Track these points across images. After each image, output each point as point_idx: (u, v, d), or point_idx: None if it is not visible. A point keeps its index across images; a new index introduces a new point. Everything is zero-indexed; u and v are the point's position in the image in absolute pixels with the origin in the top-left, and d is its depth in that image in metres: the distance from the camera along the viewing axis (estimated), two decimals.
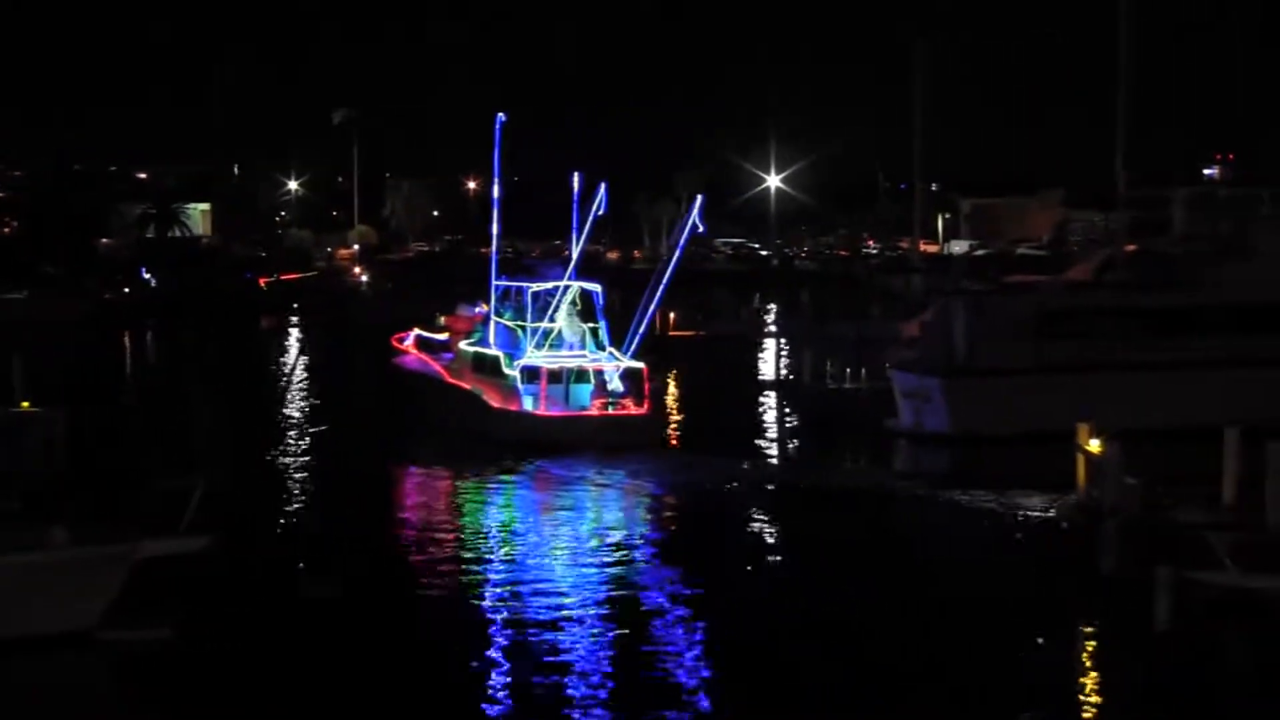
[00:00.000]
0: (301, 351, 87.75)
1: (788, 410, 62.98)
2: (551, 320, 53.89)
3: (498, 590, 32.99)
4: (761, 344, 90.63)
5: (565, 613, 30.86)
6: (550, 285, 54.72)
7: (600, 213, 54.82)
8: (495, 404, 52.86)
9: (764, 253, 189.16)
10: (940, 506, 42.39)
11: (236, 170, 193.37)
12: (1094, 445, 36.18)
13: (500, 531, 39.92)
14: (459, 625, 30.20)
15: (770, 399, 66.46)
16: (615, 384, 51.86)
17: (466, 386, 54.64)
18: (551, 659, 27.66)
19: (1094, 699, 26.44)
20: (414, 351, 59.71)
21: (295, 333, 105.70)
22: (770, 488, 45.84)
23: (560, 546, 37.53)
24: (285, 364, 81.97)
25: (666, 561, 36.06)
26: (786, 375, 73.90)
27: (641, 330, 53.27)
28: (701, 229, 55.60)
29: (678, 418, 60.95)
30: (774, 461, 51.25)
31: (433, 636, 29.62)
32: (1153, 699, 26.50)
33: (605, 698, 25.75)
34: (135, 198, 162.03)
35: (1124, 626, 29.97)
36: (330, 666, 27.68)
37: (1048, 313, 54.12)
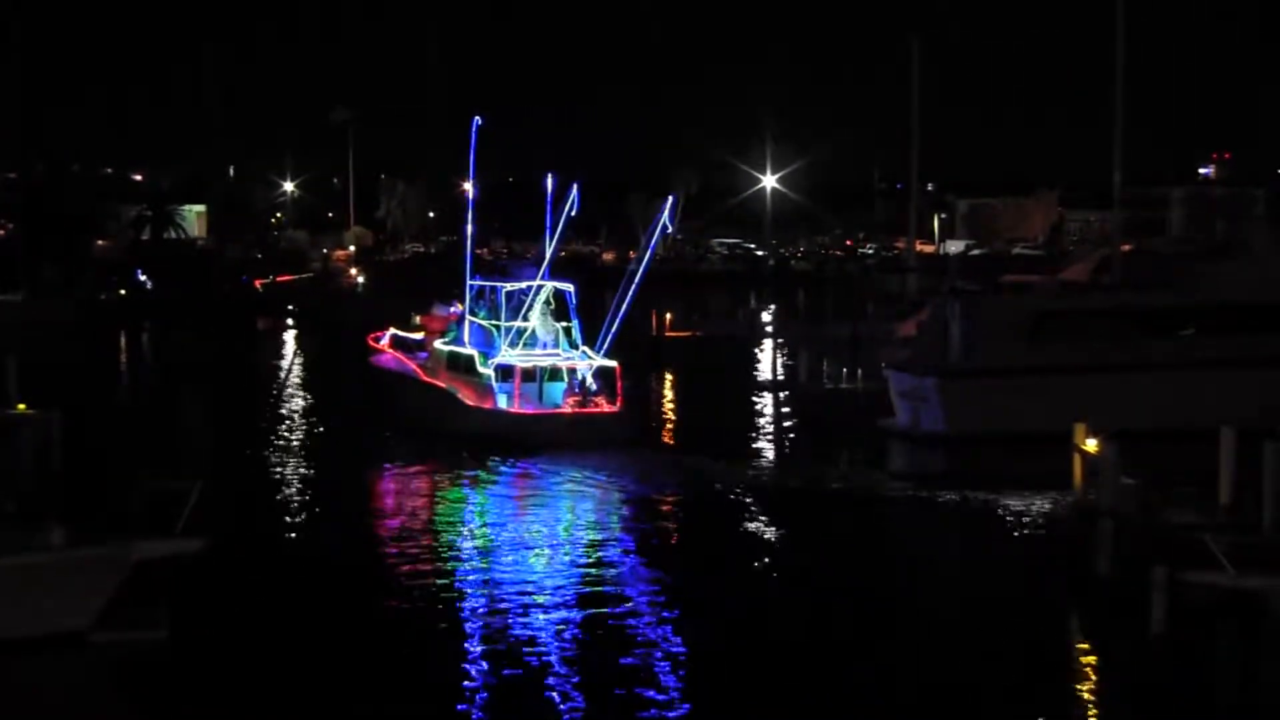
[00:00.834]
0: (297, 352, 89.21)
1: (783, 410, 62.85)
2: (525, 319, 54.30)
3: (473, 589, 33.07)
4: (758, 345, 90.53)
5: (541, 612, 31.00)
6: (524, 285, 55.06)
7: (573, 213, 55.03)
8: (470, 402, 53.16)
9: (760, 253, 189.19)
10: (935, 507, 42.19)
11: (231, 172, 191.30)
12: (1090, 445, 36.13)
13: (476, 531, 39.85)
14: (436, 623, 30.32)
15: (766, 399, 66.38)
16: (588, 382, 52.20)
17: (441, 385, 55.01)
18: (529, 658, 27.79)
19: (1089, 701, 26.45)
20: (390, 351, 60.04)
21: (291, 334, 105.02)
22: (762, 488, 45.52)
23: (538, 546, 37.57)
24: (281, 365, 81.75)
25: (645, 561, 35.97)
26: (782, 376, 73.73)
27: (614, 329, 53.65)
28: (671, 229, 56.46)
29: (672, 418, 61.24)
30: (767, 461, 50.97)
31: (411, 635, 29.65)
32: (1148, 700, 26.43)
33: (580, 695, 25.91)
34: (130, 199, 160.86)
35: (1119, 628, 29.90)
36: (314, 667, 27.80)
37: (1043, 313, 54.07)
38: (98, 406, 61.48)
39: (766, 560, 36.70)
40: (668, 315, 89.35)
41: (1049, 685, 26.96)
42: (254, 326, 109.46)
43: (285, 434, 55.62)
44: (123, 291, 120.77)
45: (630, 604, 31.65)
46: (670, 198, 55.85)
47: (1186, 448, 39.06)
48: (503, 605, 31.36)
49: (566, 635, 29.34)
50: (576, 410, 51.75)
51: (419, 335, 60.02)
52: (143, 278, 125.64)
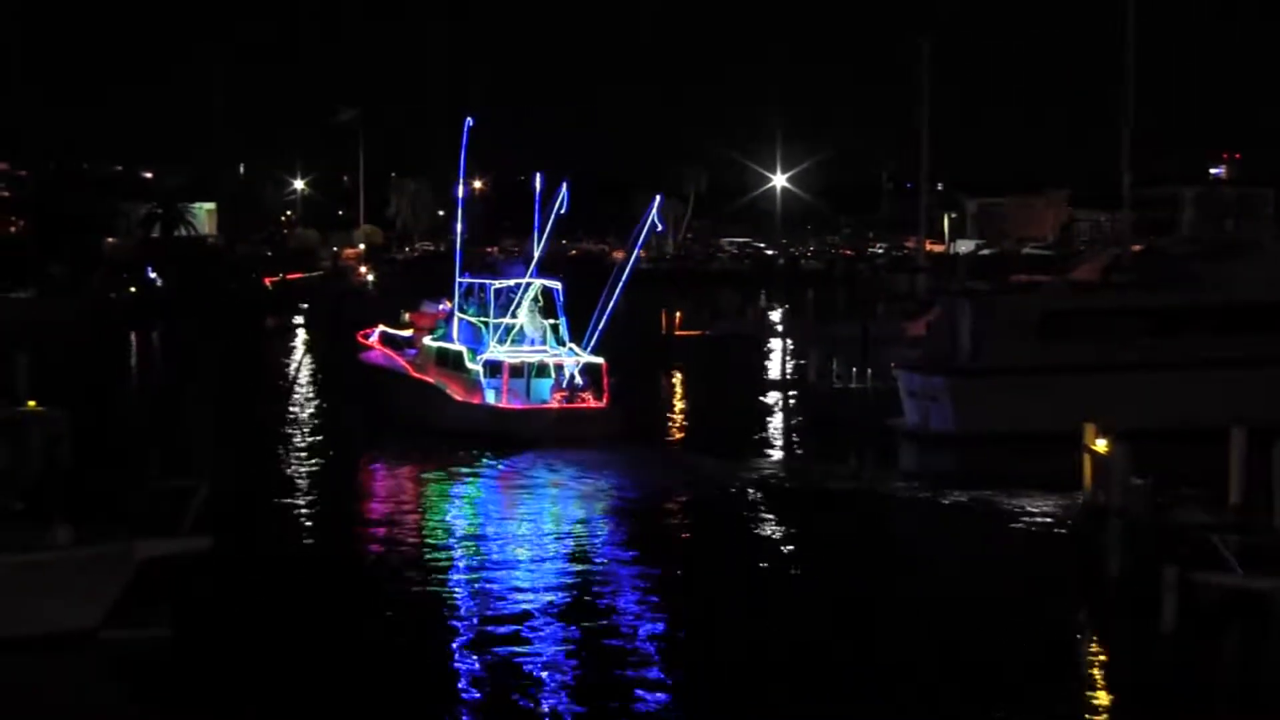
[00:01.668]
0: (306, 350, 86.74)
1: (792, 409, 63.08)
2: (513, 316, 54.92)
3: (464, 587, 33.42)
4: (767, 344, 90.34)
5: (533, 608, 31.30)
6: (512, 283, 55.63)
7: (563, 211, 56.13)
8: (458, 397, 53.78)
9: (769, 252, 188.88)
10: (944, 507, 42.13)
11: (242, 170, 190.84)
12: (1100, 445, 36.05)
13: (465, 528, 40.22)
14: (431, 621, 30.65)
15: (775, 398, 66.57)
16: (576, 379, 52.83)
17: (430, 380, 55.52)
18: (518, 657, 28.03)
19: (1099, 700, 26.37)
20: (379, 347, 60.37)
21: (301, 332, 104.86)
22: (766, 486, 45.51)
23: (528, 543, 37.92)
24: (289, 363, 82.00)
25: (637, 559, 36.19)
26: (792, 375, 73.96)
27: (601, 326, 53.83)
28: (660, 228, 58.18)
29: (679, 416, 61.63)
30: (773, 460, 50.95)
31: (407, 634, 30.00)
32: (1157, 700, 26.39)
33: (568, 694, 26.17)
34: (140, 197, 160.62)
35: (1129, 628, 29.91)
36: (315, 665, 28.11)
37: (1053, 312, 53.98)
38: (106, 404, 61.64)
39: (767, 560, 36.67)
40: (677, 314, 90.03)
41: (1058, 685, 26.89)
42: (263, 324, 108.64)
43: (289, 432, 56.09)
44: (133, 289, 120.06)
45: (622, 602, 31.91)
46: (658, 197, 55.94)
47: (1196, 447, 38.72)
48: (495, 603, 31.76)
49: (558, 635, 29.54)
50: (564, 406, 52.34)
51: (408, 332, 60.42)
52: (153, 275, 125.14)
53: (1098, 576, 32.87)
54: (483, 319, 55.63)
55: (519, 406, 52.63)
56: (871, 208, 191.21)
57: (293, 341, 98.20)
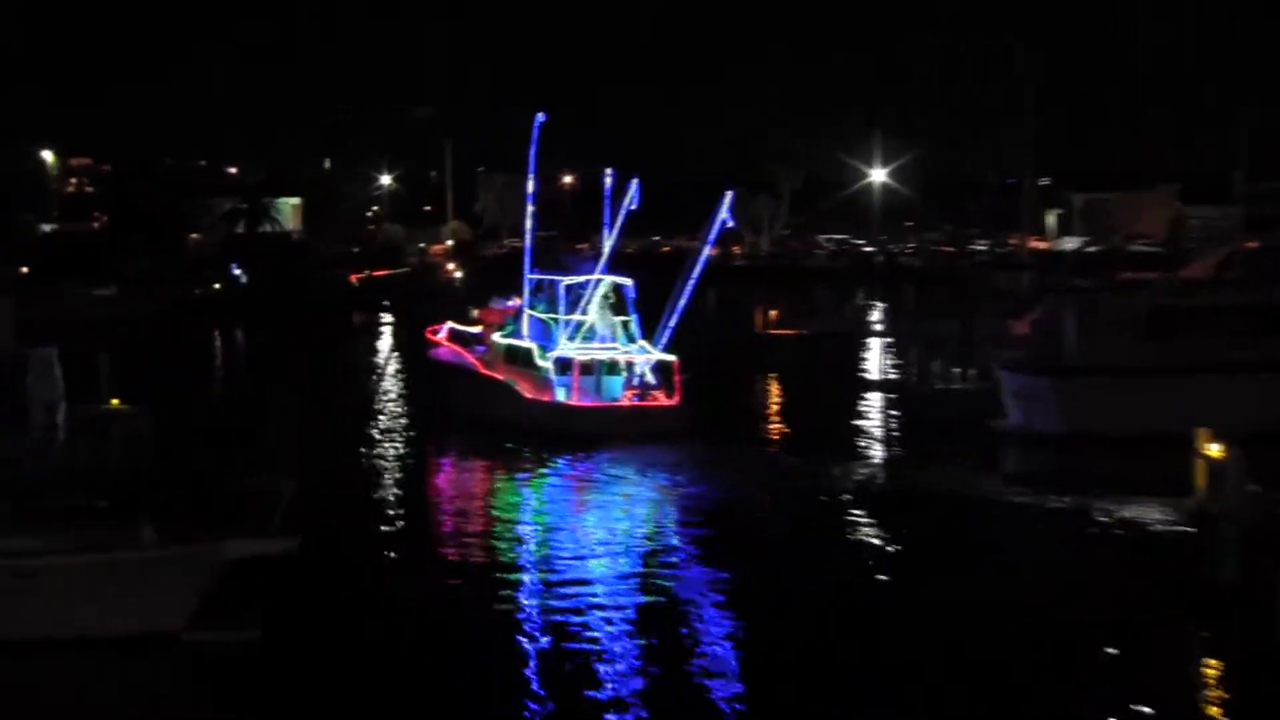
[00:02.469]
0: (392, 349, 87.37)
1: (891, 411, 62.72)
2: (584, 313, 55.32)
3: (535, 591, 33.78)
4: (865, 343, 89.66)
5: (603, 612, 31.64)
6: (583, 279, 55.94)
7: (632, 207, 56.01)
8: (527, 394, 54.45)
9: (867, 249, 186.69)
10: (1047, 511, 41.71)
11: (327, 165, 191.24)
12: (1214, 450, 35.28)
13: (536, 528, 40.57)
14: (501, 623, 31.00)
15: (873, 399, 66.17)
16: (646, 376, 53.22)
17: (499, 377, 56.15)
18: (585, 656, 28.54)
19: (1211, 710, 26.18)
20: (447, 344, 60.91)
21: (387, 330, 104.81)
22: (861, 489, 45.15)
23: (600, 544, 38.07)
24: (375, 362, 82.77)
25: (713, 562, 36.10)
26: (890, 374, 73.91)
27: (672, 324, 54.42)
28: (732, 224, 57.21)
29: (772, 416, 61.34)
30: (869, 462, 50.54)
31: (479, 636, 30.38)
32: (1272, 709, 26.17)
33: (635, 694, 26.56)
34: (224, 193, 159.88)
35: (1243, 637, 29.64)
36: (397, 667, 28.33)
37: (1160, 310, 53.03)
38: (190, 403, 61.99)
39: (859, 566, 36.22)
40: (772, 312, 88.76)
41: (1170, 694, 26.76)
42: (349, 322, 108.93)
43: (371, 430, 56.51)
44: (216, 286, 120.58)
45: (697, 608, 31.98)
46: (729, 194, 55.69)
47: None
48: (564, 605, 32.12)
49: (632, 642, 29.74)
50: (634, 404, 52.86)
51: (477, 329, 60.82)
52: (236, 272, 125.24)
53: (1210, 584, 32.48)
54: (552, 315, 56.15)
55: (589, 404, 53.17)
56: (972, 203, 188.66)
57: (379, 339, 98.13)
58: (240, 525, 29.18)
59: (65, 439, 33.15)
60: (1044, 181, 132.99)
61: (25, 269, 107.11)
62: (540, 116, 59.01)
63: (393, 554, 37.67)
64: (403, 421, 59.29)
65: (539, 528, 40.52)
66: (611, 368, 54.19)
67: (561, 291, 56.31)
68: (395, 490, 45.78)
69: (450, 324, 62.19)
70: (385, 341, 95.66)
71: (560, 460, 49.35)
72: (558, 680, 27.29)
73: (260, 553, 29.10)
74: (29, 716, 26.55)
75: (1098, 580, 34.93)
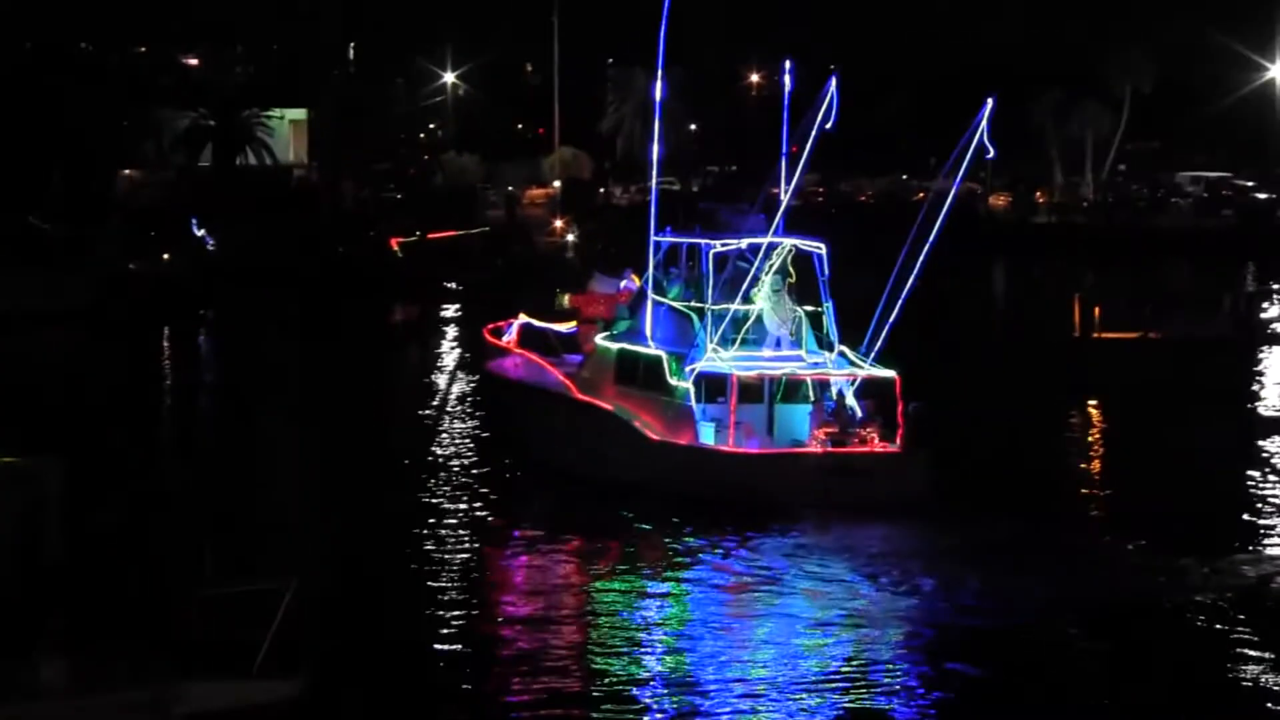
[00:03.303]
0: (458, 366, 68.53)
1: None
2: (747, 300, 45.07)
3: None
4: (1261, 355, 71.11)
5: None
6: (744, 243, 45.37)
7: (827, 125, 44.60)
8: (652, 434, 44.71)
9: (1261, 196, 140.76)
10: None
11: (351, 54, 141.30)
12: None
13: (664, 659, 31.64)
14: None
15: (1273, 449, 51.08)
16: (849, 402, 43.77)
17: (606, 406, 46.12)
18: None
19: None
20: (517, 350, 50.31)
21: (451, 332, 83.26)
22: (1250, 602, 34.09)
23: (774, 694, 29.30)
24: (436, 384, 64.20)
25: None
26: None
27: (892, 320, 44.22)
28: (991, 152, 45.17)
29: (1091, 476, 49.29)
30: (1245, 560, 37.70)
31: None
32: None
33: None
34: (180, 101, 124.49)
35: None
36: None
37: None
38: (128, 452, 50.16)
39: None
40: (1096, 307, 68.95)
41: None
42: (388, 317, 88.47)
43: (420, 497, 44.91)
44: (167, 256, 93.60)
45: None
46: (989, 101, 42.90)
47: None
48: None
49: None
50: (831, 450, 42.87)
51: (567, 326, 50.34)
52: (200, 233, 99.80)
53: None
54: (694, 304, 45.42)
55: (755, 450, 43.35)
56: None
57: (437, 347, 78.34)
58: (214, 654, 25.15)
59: None
60: None
61: None
62: None
63: (438, 691, 29.54)
64: (460, 482, 47.25)
65: (674, 670, 30.94)
66: (791, 390, 44.03)
67: (709, 264, 44.58)
68: (441, 601, 35.25)
69: (524, 318, 50.87)
70: (447, 351, 76.34)
71: (707, 545, 39.09)
72: None
73: (247, 700, 24.87)
74: None
75: None
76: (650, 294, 46.60)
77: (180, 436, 57.49)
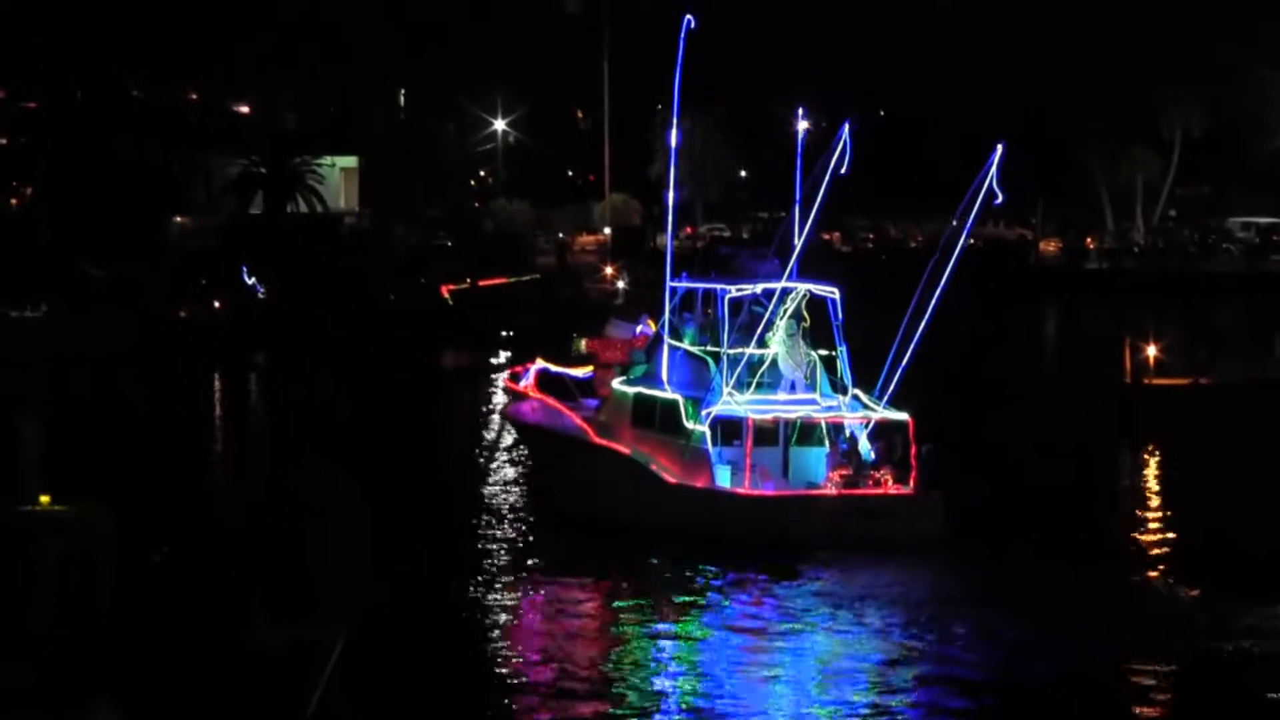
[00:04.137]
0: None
1: None
2: (762, 344, 45.70)
3: None
4: None
5: None
6: (759, 288, 46.15)
7: (842, 171, 45.58)
8: (669, 476, 45.18)
9: None
10: None
11: (402, 101, 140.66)
12: None
13: (680, 700, 31.63)
14: None
15: None
16: (862, 445, 44.41)
17: (623, 450, 46.50)
18: None
19: None
20: (536, 395, 50.44)
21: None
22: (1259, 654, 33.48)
23: None
24: (485, 434, 64.38)
25: None
26: None
27: (905, 362, 44.77)
28: (1000, 197, 44.75)
29: (1146, 524, 48.04)
30: None
31: None
32: None
33: None
34: (231, 147, 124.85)
35: None
36: None
37: None
38: (178, 496, 50.55)
39: None
40: (1150, 347, 68.16)
41: None
42: (438, 363, 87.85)
43: (476, 545, 45.48)
44: (217, 304, 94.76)
45: None
46: (999, 148, 43.14)
47: None
48: None
49: None
50: (846, 491, 43.53)
51: (584, 371, 50.98)
52: (251, 280, 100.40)
53: None
54: (709, 349, 46.24)
55: (770, 493, 44.00)
56: None
57: (487, 393, 77.92)
58: (258, 705, 26.07)
59: None
60: None
61: None
62: (688, 20, 46.60)
63: None
64: (488, 524, 48.08)
65: (691, 711, 30.91)
66: (806, 433, 44.62)
67: (725, 309, 45.44)
68: (463, 645, 35.62)
69: (541, 363, 51.34)
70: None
71: (720, 586, 39.96)
72: None
73: None
74: None
75: None
76: (666, 338, 47.13)
77: (230, 481, 57.89)
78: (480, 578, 41.69)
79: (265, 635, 27.60)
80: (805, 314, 46.07)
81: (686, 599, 39.23)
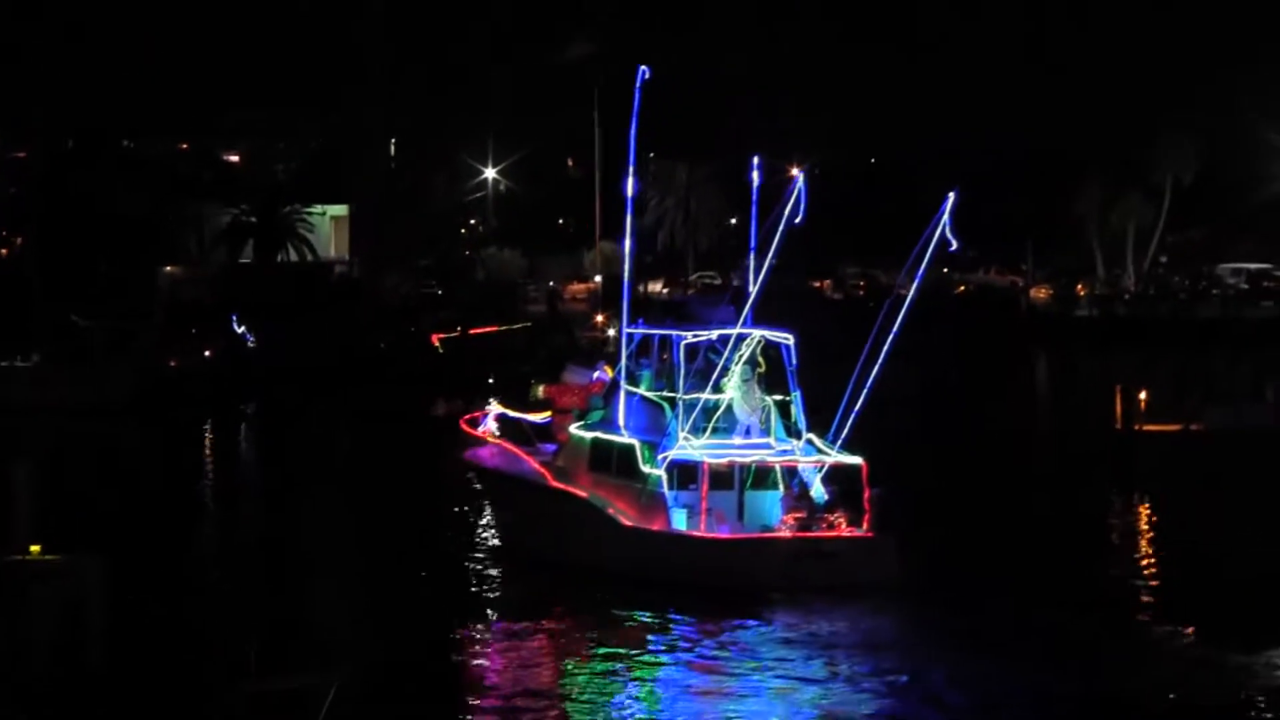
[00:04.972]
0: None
1: None
2: (717, 390, 45.68)
3: None
4: None
5: None
6: (714, 335, 46.03)
7: (796, 219, 45.98)
8: (626, 520, 45.31)
9: None
10: None
11: (393, 150, 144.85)
12: None
13: None
14: None
15: None
16: (816, 489, 44.42)
17: (580, 493, 46.71)
18: None
19: None
20: (493, 439, 50.81)
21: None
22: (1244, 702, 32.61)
23: None
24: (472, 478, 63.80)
25: None
26: None
27: (859, 407, 44.60)
28: (954, 245, 45.55)
29: (1152, 567, 48.41)
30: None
31: None
32: None
33: None
34: (222, 197, 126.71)
35: None
36: None
37: None
38: (169, 545, 51.06)
39: None
40: (1142, 394, 67.91)
41: None
42: (429, 411, 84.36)
43: (476, 586, 46.48)
44: (207, 353, 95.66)
45: None
46: (951, 196, 43.89)
47: None
48: None
49: None
50: (800, 534, 43.48)
51: (542, 416, 50.78)
52: (241, 329, 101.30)
53: None
54: (665, 394, 46.04)
55: (726, 536, 44.11)
56: None
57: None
58: None
59: None
60: None
61: None
62: (643, 71, 47.63)
63: None
64: (454, 568, 48.50)
65: None
66: (761, 477, 44.60)
67: (680, 355, 45.58)
68: (417, 690, 35.12)
69: (499, 408, 51.18)
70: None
71: (679, 630, 39.67)
72: None
73: None
74: None
75: None
76: (623, 384, 47.16)
77: (221, 530, 57.98)
78: (436, 621, 41.38)
79: (258, 683, 27.54)
80: (760, 360, 46.21)
81: (641, 641, 38.96)
